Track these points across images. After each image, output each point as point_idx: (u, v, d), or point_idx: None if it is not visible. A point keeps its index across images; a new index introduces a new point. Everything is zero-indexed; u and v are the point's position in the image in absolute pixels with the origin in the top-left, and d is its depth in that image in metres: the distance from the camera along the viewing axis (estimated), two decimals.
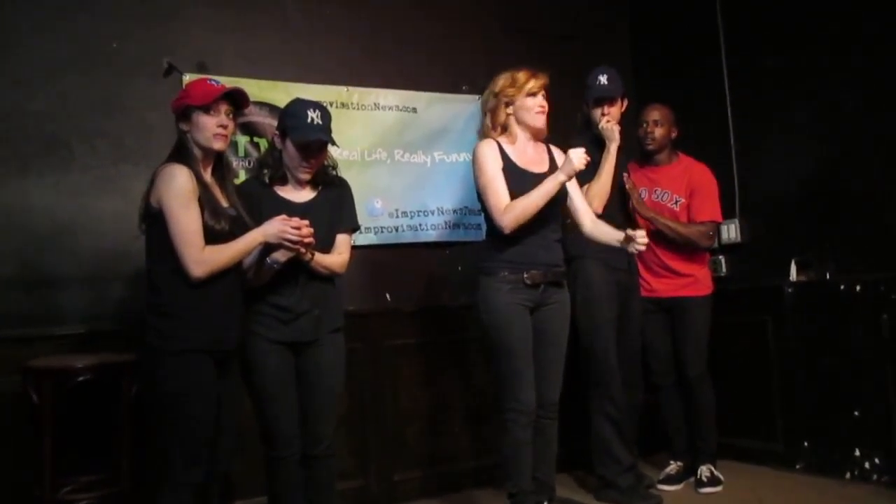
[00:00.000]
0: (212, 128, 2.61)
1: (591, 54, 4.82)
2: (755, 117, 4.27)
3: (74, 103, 3.46)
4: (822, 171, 3.93)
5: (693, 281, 3.90)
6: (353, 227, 3.05)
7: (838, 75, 3.85)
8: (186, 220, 2.49)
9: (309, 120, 2.81)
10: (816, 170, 3.96)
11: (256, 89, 3.80)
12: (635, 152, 4.10)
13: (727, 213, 4.30)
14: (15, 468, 3.09)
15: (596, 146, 3.60)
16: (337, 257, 2.92)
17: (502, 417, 3.13)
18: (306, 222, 2.67)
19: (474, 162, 3.18)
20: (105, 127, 3.51)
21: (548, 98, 3.23)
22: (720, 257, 4.39)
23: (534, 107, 3.17)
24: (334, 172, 3.03)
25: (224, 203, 2.68)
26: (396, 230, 4.13)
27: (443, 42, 4.38)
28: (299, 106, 2.87)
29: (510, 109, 3.19)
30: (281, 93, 3.82)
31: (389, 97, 4.17)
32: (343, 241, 2.97)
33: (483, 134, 3.25)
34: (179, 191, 2.50)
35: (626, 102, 3.74)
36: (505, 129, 3.21)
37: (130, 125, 3.55)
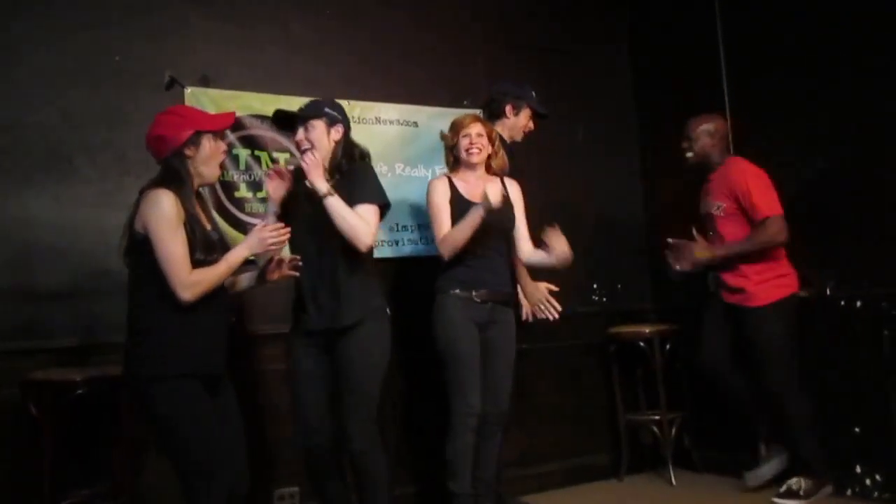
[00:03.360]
0: (219, 154, 2.65)
1: (592, 68, 4.87)
2: (756, 131, 4.28)
3: (77, 116, 3.47)
4: (823, 186, 3.94)
5: (746, 296, 3.81)
6: (370, 201, 3.01)
7: (841, 87, 3.86)
8: (174, 245, 2.47)
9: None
10: (818, 185, 3.96)
11: (258, 103, 3.81)
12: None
13: None
14: (13, 481, 3.08)
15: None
16: (357, 216, 2.94)
17: (452, 422, 3.32)
18: (280, 224, 2.71)
19: (428, 192, 3.55)
20: (107, 140, 3.52)
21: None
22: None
23: (464, 146, 3.51)
24: (359, 160, 3.11)
25: (208, 226, 2.66)
26: (397, 244, 4.14)
27: (444, 56, 4.40)
28: None
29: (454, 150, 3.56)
30: (283, 106, 3.82)
31: (391, 111, 4.19)
32: (363, 210, 2.97)
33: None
34: (166, 216, 2.48)
35: None
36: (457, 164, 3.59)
37: (133, 138, 3.52)
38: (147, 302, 2.53)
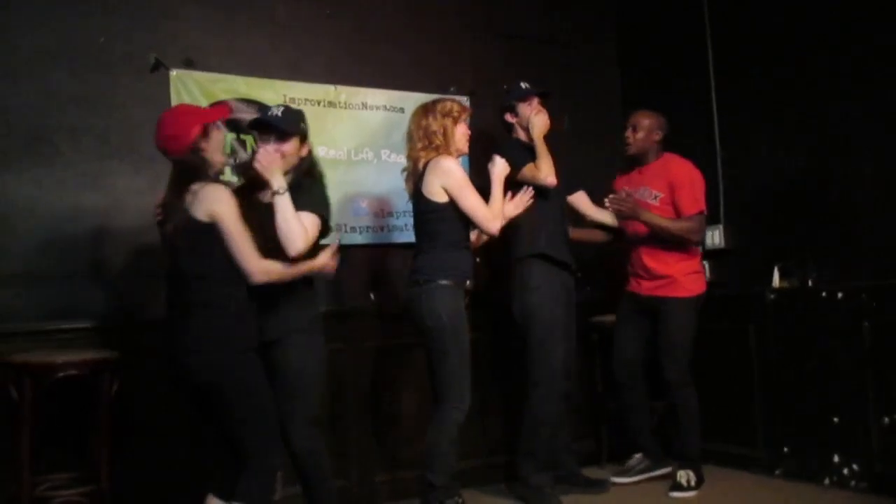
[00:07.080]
0: (222, 140, 2.76)
1: (579, 58, 4.87)
2: (741, 124, 4.29)
3: (60, 98, 3.44)
4: (807, 178, 3.96)
5: (670, 282, 3.86)
6: (314, 211, 2.85)
7: (824, 84, 3.88)
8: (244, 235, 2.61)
9: (269, 113, 2.94)
10: (800, 177, 3.99)
11: (244, 86, 3.79)
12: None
13: (711, 219, 4.32)
14: None
15: (527, 151, 3.74)
16: (299, 222, 2.79)
17: (440, 414, 3.25)
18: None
19: (451, 175, 3.29)
20: (90, 122, 3.49)
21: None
22: (703, 263, 4.41)
23: (464, 132, 3.42)
24: (315, 169, 3.00)
25: None
26: (382, 230, 4.13)
27: (431, 43, 4.38)
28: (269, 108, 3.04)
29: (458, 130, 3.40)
30: (268, 90, 3.82)
31: (377, 97, 4.17)
32: (305, 218, 2.81)
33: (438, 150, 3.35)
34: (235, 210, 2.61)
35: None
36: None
37: (116, 121, 3.53)
38: (217, 280, 2.63)
